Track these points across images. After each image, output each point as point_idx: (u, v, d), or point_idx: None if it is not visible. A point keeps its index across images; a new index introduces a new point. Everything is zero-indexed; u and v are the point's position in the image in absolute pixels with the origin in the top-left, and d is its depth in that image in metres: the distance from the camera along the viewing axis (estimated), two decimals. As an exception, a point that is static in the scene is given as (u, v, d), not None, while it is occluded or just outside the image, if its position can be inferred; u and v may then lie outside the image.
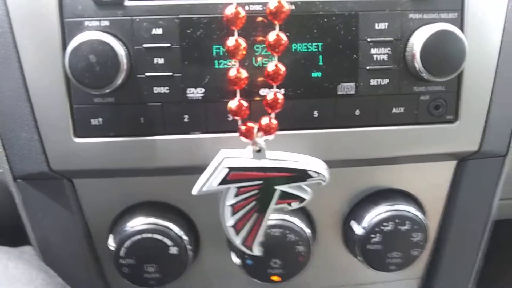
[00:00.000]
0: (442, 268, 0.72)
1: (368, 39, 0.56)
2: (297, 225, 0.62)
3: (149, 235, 0.60)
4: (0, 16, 0.54)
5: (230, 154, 0.53)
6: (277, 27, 0.47)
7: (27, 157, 0.57)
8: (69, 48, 0.51)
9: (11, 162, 0.59)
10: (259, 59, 0.55)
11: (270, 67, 0.49)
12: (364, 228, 0.63)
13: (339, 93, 0.57)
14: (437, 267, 0.72)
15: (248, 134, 0.51)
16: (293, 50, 0.55)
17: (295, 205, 0.55)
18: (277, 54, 0.48)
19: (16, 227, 0.65)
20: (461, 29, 0.56)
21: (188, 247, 0.62)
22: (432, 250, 0.72)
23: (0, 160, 0.59)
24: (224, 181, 0.53)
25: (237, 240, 0.57)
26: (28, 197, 0.61)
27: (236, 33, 0.48)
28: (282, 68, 0.49)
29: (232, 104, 0.51)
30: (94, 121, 0.56)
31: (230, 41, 0.48)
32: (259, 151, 0.52)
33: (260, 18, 0.54)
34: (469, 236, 0.71)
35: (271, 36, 0.48)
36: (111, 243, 0.61)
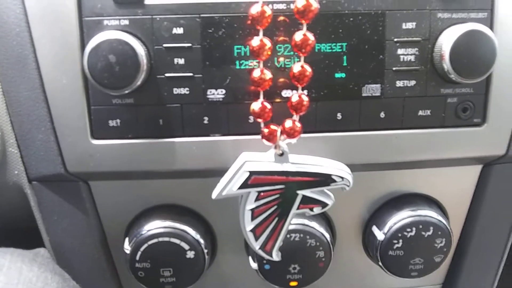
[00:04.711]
0: (463, 274, 0.70)
1: (395, 39, 0.54)
2: (317, 230, 0.61)
3: (166, 239, 0.59)
4: (17, 15, 0.53)
5: (252, 157, 0.51)
6: (305, 27, 0.45)
7: (43, 158, 0.56)
8: (88, 48, 0.50)
9: (26, 163, 0.58)
10: (281, 59, 0.54)
11: (296, 68, 0.47)
12: (385, 233, 0.62)
13: (363, 94, 0.56)
14: (459, 273, 0.70)
15: (271, 137, 0.50)
16: (316, 50, 0.54)
17: (317, 210, 0.53)
18: (304, 54, 0.46)
19: (30, 229, 0.64)
20: (491, 29, 0.54)
21: (205, 251, 0.60)
22: (453, 256, 0.70)
23: (16, 162, 0.58)
24: (244, 185, 0.51)
25: (257, 245, 0.55)
26: (43, 199, 0.60)
27: (261, 33, 0.46)
28: (309, 69, 0.47)
29: (255, 106, 0.49)
30: (112, 123, 0.54)
31: (255, 41, 0.46)
32: (281, 154, 0.51)
33: (282, 18, 0.52)
34: (492, 242, 0.69)
35: (298, 36, 0.46)
36: (127, 246, 0.60)
